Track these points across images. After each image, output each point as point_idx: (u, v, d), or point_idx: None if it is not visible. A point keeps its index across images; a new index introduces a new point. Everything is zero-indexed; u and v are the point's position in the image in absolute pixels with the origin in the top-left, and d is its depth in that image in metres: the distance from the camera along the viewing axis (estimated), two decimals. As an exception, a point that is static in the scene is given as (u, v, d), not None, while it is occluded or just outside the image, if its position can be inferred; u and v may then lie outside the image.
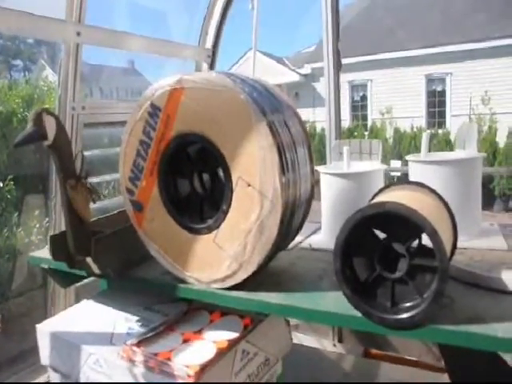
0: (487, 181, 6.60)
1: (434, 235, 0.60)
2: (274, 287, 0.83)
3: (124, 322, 1.04)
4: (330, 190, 1.03)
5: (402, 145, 9.15)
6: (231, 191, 0.78)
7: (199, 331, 0.94)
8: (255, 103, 0.75)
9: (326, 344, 1.85)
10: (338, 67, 1.72)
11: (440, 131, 9.48)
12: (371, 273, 0.69)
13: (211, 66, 2.04)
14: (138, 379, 0.86)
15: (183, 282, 0.89)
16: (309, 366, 1.37)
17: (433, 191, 0.76)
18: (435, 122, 10.89)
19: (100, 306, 1.14)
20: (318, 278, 0.85)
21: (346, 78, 12.15)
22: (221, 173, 0.82)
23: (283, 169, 0.74)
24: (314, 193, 0.87)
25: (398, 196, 0.72)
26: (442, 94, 11.54)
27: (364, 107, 12.30)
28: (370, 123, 11.04)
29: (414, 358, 1.59)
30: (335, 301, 0.72)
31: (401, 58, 11.45)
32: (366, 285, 0.69)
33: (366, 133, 9.54)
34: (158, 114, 0.85)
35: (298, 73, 12.63)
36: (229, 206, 0.79)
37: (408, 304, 0.66)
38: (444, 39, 10.92)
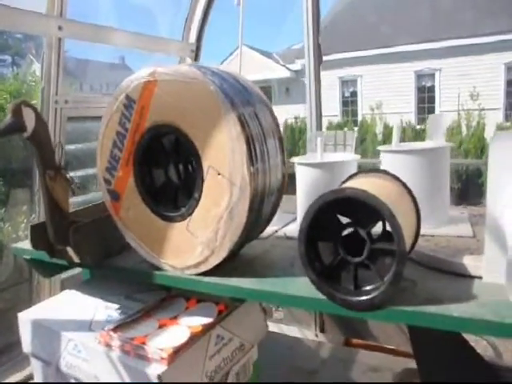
0: (476, 175, 6.65)
1: (391, 219, 0.63)
2: (247, 273, 0.85)
3: (104, 309, 1.07)
4: (304, 179, 1.06)
5: (391, 140, 9.19)
6: (202, 180, 0.81)
7: (175, 317, 0.96)
8: (225, 94, 0.77)
9: (309, 334, 1.88)
10: (319, 61, 1.75)
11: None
12: (335, 257, 0.71)
13: (195, 61, 2.05)
14: (114, 363, 0.88)
15: (159, 269, 0.91)
16: (287, 354, 1.40)
17: (397, 178, 0.78)
18: (425, 117, 10.94)
19: (81, 295, 1.16)
20: (289, 264, 0.88)
21: (336, 73, 12.19)
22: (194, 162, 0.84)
23: (252, 158, 0.77)
24: (285, 182, 0.90)
25: (361, 182, 0.75)
26: (432, 89, 11.60)
27: (354, 103, 12.35)
28: (360, 119, 11.07)
29: (392, 347, 1.62)
30: (304, 285, 0.75)
31: (390, 53, 11.50)
32: (331, 269, 0.72)
33: (356, 128, 9.58)
34: (133, 106, 0.87)
35: (288, 68, 12.65)
36: (200, 194, 0.82)
37: (370, 287, 0.69)
38: (433, 35, 10.97)
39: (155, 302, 1.03)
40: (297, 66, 12.48)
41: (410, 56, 11.30)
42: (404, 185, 0.78)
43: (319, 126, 1.78)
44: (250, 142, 0.77)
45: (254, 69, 12.99)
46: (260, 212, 0.83)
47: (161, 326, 0.93)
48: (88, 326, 1.00)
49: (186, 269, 0.87)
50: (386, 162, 1.02)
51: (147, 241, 0.92)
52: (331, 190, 0.67)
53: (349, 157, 1.06)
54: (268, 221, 0.92)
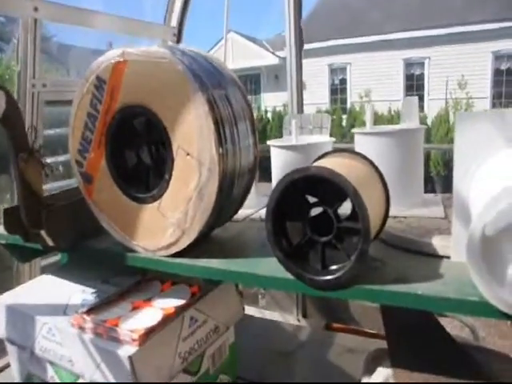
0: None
1: (355, 197, 0.63)
2: (217, 254, 0.85)
3: (80, 294, 1.06)
4: (278, 162, 1.06)
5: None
6: (172, 161, 0.81)
7: (149, 299, 0.96)
8: (193, 74, 0.77)
9: (291, 320, 1.89)
10: (301, 47, 1.74)
11: (417, 114, 9.56)
12: (303, 237, 0.71)
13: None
14: (87, 345, 0.88)
15: (132, 251, 0.91)
16: (265, 337, 1.41)
17: (366, 159, 0.79)
18: (413, 105, 10.96)
19: (58, 279, 1.16)
20: (261, 245, 0.88)
21: (325, 61, 12.18)
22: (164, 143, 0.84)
23: (220, 139, 0.77)
24: (257, 164, 0.90)
25: (329, 162, 0.75)
26: (421, 77, 11.63)
27: (343, 90, 12.35)
28: (348, 106, 11.09)
29: (373, 331, 1.64)
30: (273, 265, 0.75)
31: (379, 41, 11.51)
32: (299, 249, 0.72)
33: (344, 116, 9.59)
34: (104, 87, 0.86)
35: (277, 55, 12.60)
36: (170, 175, 0.82)
37: (337, 266, 0.69)
38: (422, 23, 10.98)
39: (130, 285, 1.03)
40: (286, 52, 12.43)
41: (399, 44, 11.32)
42: (373, 165, 0.78)
43: (300, 112, 1.78)
44: (218, 123, 0.77)
45: (243, 56, 12.96)
46: (230, 193, 0.83)
47: (134, 309, 0.93)
48: (63, 310, 1.00)
49: (157, 250, 0.87)
50: (360, 144, 1.02)
51: (120, 223, 0.92)
52: (296, 169, 0.67)
53: (323, 139, 1.06)
54: (240, 202, 0.92)
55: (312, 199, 0.71)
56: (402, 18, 11.29)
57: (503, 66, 10.83)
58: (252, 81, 13.29)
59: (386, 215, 0.80)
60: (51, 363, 0.97)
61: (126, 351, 0.82)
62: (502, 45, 10.40)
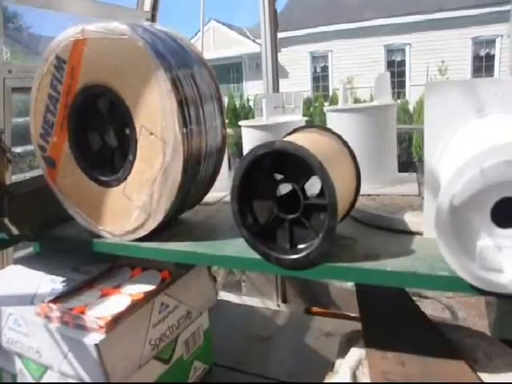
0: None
1: (320, 170, 0.61)
2: (186, 237, 0.83)
3: (49, 283, 1.03)
4: (250, 142, 1.03)
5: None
6: (136, 141, 0.78)
7: (118, 286, 0.94)
8: (155, 51, 0.74)
9: (271, 305, 1.88)
10: (275, 32, 1.71)
11: (399, 101, 9.58)
12: (270, 215, 0.69)
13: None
14: (53, 334, 0.85)
15: (99, 237, 0.88)
16: (242, 322, 1.39)
17: (335, 134, 0.76)
18: (395, 92, 10.99)
19: (27, 269, 1.13)
20: (231, 227, 0.85)
21: (307, 48, 12.14)
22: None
23: (185, 118, 0.74)
24: (226, 145, 0.87)
25: (296, 137, 0.73)
26: (402, 64, 11.66)
27: (325, 78, 12.33)
28: (331, 93, 11.07)
29: (353, 314, 1.63)
30: (240, 246, 0.73)
31: (361, 28, 11.49)
32: (266, 228, 0.70)
33: (327, 103, 9.57)
34: (64, 67, 0.83)
35: (258, 43, 12.51)
36: (134, 156, 0.79)
37: (305, 244, 0.67)
38: (403, 10, 10.99)
39: (100, 272, 1.00)
40: (267, 41, 12.36)
41: (380, 30, 11.31)
42: (343, 141, 0.76)
43: (276, 95, 1.75)
44: (182, 101, 0.74)
45: (224, 44, 12.87)
46: (197, 173, 0.81)
47: (102, 296, 0.91)
48: (30, 299, 0.96)
49: (124, 235, 0.84)
50: (332, 122, 1.00)
51: (85, 208, 0.89)
52: (260, 144, 0.64)
53: (294, 118, 1.04)
54: (209, 184, 0.89)
55: (279, 177, 0.68)
56: (382, 4, 11.28)
57: (482, 52, 10.89)
58: (234, 69, 13.19)
59: (357, 192, 0.78)
60: (19, 355, 0.94)
61: (93, 339, 0.80)
62: (481, 30, 10.46)
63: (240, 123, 1.05)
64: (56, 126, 0.87)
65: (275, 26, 1.71)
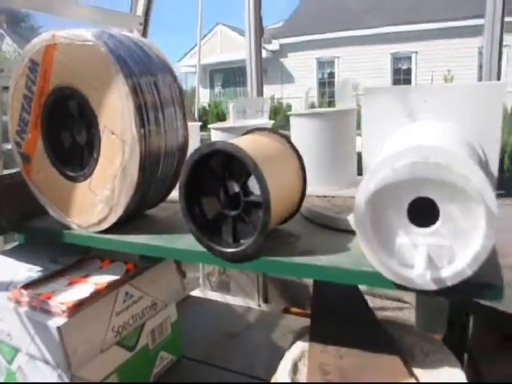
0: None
1: (254, 169, 0.66)
2: (146, 231, 0.89)
3: (26, 272, 1.09)
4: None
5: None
6: (99, 140, 0.84)
7: (86, 276, 1.00)
8: (116, 57, 0.80)
9: (252, 304, 1.93)
10: (260, 35, 1.77)
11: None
12: (216, 211, 0.75)
13: (143, 35, 2.05)
14: (22, 318, 0.91)
15: (69, 228, 0.94)
16: (214, 318, 1.45)
17: (284, 137, 0.81)
18: (400, 99, 11.00)
19: (9, 259, 1.18)
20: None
21: (313, 55, 12.20)
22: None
23: (143, 119, 0.80)
24: (187, 145, 0.93)
25: (242, 139, 0.78)
26: (408, 72, 11.69)
27: (331, 84, 12.38)
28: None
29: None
30: (191, 240, 0.78)
31: (368, 35, 11.54)
32: (213, 223, 0.76)
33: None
34: (37, 69, 0.89)
35: (265, 49, 12.60)
36: (98, 153, 0.85)
37: (245, 239, 0.73)
38: (410, 18, 11.02)
39: (72, 262, 1.06)
40: (274, 46, 12.45)
41: (387, 38, 11.36)
42: (290, 143, 0.81)
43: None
44: (141, 104, 0.80)
45: (230, 48, 12.95)
46: (155, 171, 0.86)
47: (70, 284, 0.97)
48: (6, 286, 1.02)
49: (90, 227, 0.90)
50: (295, 126, 1.05)
51: (56, 201, 0.95)
52: (203, 144, 0.70)
53: (259, 121, 1.09)
54: (173, 181, 0.95)
55: (224, 175, 0.74)
56: (390, 12, 11.33)
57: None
58: (240, 73, 13.28)
59: (303, 192, 0.83)
60: (-8, 339, 1.00)
61: (56, 322, 0.86)
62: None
63: (209, 126, 1.11)
64: (30, 124, 0.93)
65: (260, 32, 1.77)
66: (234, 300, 1.97)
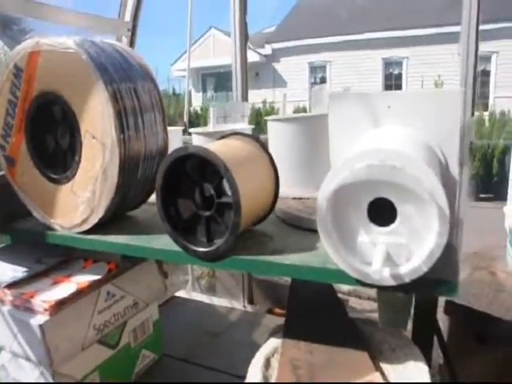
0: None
1: (225, 171, 0.70)
2: (126, 232, 0.92)
3: (11, 272, 1.12)
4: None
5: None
6: (81, 143, 0.87)
7: (69, 275, 1.03)
8: (96, 64, 0.83)
9: (237, 305, 1.96)
10: (245, 39, 1.81)
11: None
12: (191, 212, 0.79)
13: (131, 41, 2.09)
14: (5, 316, 0.94)
15: (52, 229, 0.98)
16: (196, 317, 1.48)
17: (257, 141, 0.85)
18: (391, 104, 11.08)
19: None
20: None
21: (305, 59, 12.27)
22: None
23: (122, 124, 0.84)
24: (167, 150, 0.96)
25: (216, 143, 0.82)
26: (399, 77, 11.78)
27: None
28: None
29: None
30: (168, 240, 0.81)
31: (360, 40, 11.62)
32: (188, 223, 0.79)
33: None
34: (21, 75, 0.92)
35: (258, 53, 12.65)
36: (80, 157, 0.88)
37: (219, 239, 0.77)
38: (402, 24, 11.11)
39: (56, 262, 1.09)
40: (267, 50, 12.51)
41: (379, 43, 11.44)
42: (263, 147, 0.85)
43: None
44: (120, 110, 0.83)
45: (223, 52, 12.97)
46: (135, 174, 0.90)
47: (53, 283, 1.00)
48: (-9, 286, 1.05)
49: (72, 227, 0.94)
50: (272, 130, 1.09)
51: (40, 203, 0.98)
52: (177, 148, 0.74)
53: (238, 126, 1.13)
54: (153, 184, 0.98)
55: (199, 177, 0.78)
56: (382, 17, 11.43)
57: (479, 68, 11.01)
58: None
59: (276, 193, 0.86)
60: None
61: (38, 320, 0.89)
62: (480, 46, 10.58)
63: (190, 130, 1.15)
64: (15, 128, 0.97)
65: (245, 37, 1.81)
66: (220, 301, 2.00)
